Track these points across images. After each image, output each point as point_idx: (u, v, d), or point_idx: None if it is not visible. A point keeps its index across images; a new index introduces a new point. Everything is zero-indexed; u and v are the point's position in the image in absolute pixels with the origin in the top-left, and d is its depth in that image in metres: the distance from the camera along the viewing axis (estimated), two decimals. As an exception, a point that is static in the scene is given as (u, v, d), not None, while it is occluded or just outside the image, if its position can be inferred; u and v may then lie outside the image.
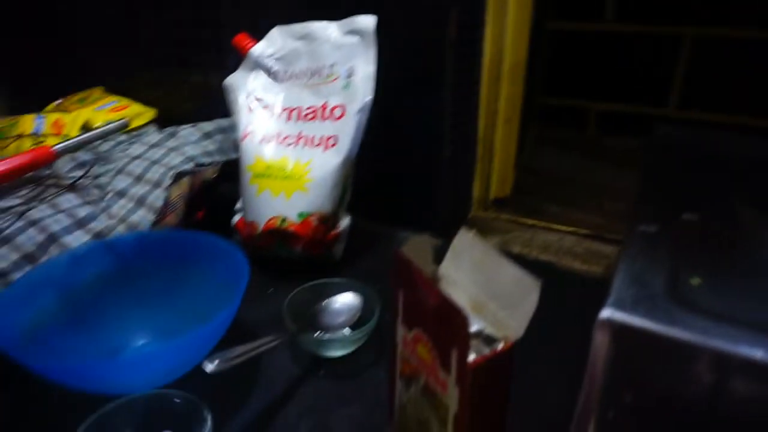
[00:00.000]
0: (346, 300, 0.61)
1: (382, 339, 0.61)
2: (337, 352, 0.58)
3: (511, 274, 0.41)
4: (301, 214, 0.68)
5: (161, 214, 0.66)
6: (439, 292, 0.37)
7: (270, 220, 0.68)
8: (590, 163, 1.07)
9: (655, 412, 0.34)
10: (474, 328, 0.40)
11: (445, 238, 0.46)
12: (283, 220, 0.68)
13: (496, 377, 0.40)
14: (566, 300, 0.57)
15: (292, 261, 0.71)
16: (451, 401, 0.40)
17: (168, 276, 0.59)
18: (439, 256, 0.46)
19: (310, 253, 0.70)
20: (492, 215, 0.88)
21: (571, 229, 0.84)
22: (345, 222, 0.73)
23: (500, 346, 0.40)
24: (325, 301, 0.61)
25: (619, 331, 0.33)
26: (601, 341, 0.33)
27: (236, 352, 0.49)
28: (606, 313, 0.34)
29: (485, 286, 0.43)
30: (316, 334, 0.57)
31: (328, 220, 0.70)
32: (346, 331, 0.59)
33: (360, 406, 0.53)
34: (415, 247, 0.44)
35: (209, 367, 0.46)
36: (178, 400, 0.44)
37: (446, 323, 0.38)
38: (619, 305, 0.34)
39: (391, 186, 0.83)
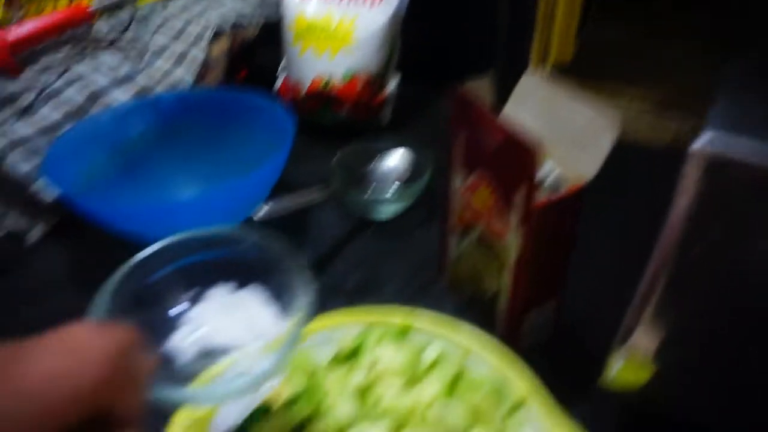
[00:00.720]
0: (395, 161, 0.59)
1: (431, 201, 0.59)
2: (385, 213, 0.57)
3: (585, 113, 0.37)
4: (346, 74, 0.64)
5: (202, 72, 0.63)
6: (505, 127, 0.34)
7: (315, 80, 0.65)
8: (656, 38, 0.98)
9: (740, 256, 0.31)
10: (539, 173, 0.37)
11: (500, 105, 0.42)
12: (328, 82, 0.65)
13: (562, 221, 0.37)
14: (629, 172, 0.53)
15: (338, 127, 0.68)
16: (511, 247, 0.39)
17: (212, 134, 0.58)
18: (500, 101, 0.43)
19: (356, 117, 0.67)
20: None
21: (635, 99, 0.78)
22: (393, 84, 0.68)
23: (567, 189, 0.37)
24: (374, 162, 0.59)
25: (713, 163, 0.30)
26: (691, 175, 0.30)
27: (284, 202, 0.48)
28: (700, 142, 0.30)
29: (553, 129, 0.39)
30: (365, 194, 0.56)
31: (375, 82, 0.66)
32: (394, 191, 0.57)
33: (408, 263, 0.53)
34: (475, 88, 0.41)
35: (258, 214, 0.46)
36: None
37: (511, 161, 0.35)
38: (716, 136, 0.30)
39: (441, 48, 0.77)
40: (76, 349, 0.19)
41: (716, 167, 0.29)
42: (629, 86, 0.83)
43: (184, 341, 0.31)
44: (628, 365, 0.35)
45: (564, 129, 0.38)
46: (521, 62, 0.78)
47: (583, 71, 0.83)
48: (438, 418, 0.36)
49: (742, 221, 0.30)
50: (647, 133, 0.71)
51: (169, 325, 0.31)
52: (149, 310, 0.31)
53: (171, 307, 0.32)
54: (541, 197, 0.36)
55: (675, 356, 0.34)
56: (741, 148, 0.29)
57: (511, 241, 0.38)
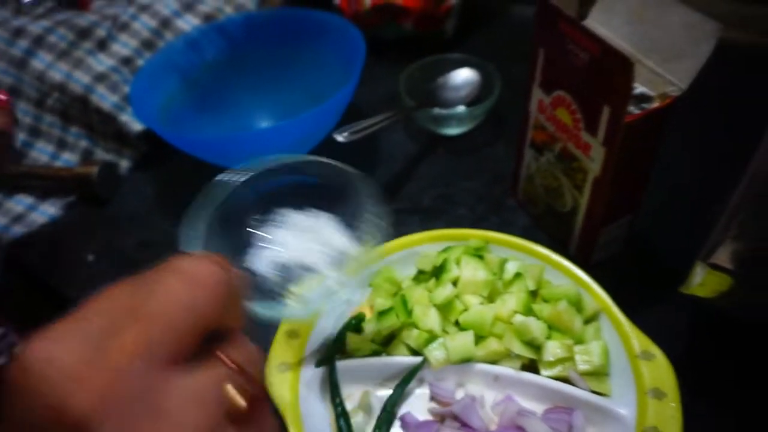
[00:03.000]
0: (463, 76, 0.58)
1: (499, 117, 0.58)
2: (455, 129, 0.57)
3: (682, 18, 0.35)
4: (410, -16, 0.62)
5: (264, -9, 0.63)
6: (597, 39, 0.33)
7: (377, -8, 0.63)
8: None
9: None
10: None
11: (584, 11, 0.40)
12: (391, -8, 0.62)
13: (647, 138, 0.37)
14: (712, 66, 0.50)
15: (402, 40, 0.67)
16: (592, 164, 0.39)
17: (281, 56, 0.58)
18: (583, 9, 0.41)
19: (420, 30, 0.65)
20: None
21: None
22: (457, -8, 0.65)
23: (655, 104, 0.36)
24: (442, 77, 0.58)
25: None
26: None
27: (362, 125, 0.49)
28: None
29: (642, 39, 0.37)
30: (434, 110, 0.56)
31: (440, -10, 0.63)
32: (464, 107, 0.57)
33: (480, 180, 0.54)
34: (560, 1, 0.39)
35: (339, 137, 0.47)
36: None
37: (601, 76, 0.34)
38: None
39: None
40: (193, 278, 0.22)
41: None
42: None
43: (264, 262, 0.33)
44: (710, 277, 0.36)
45: (654, 39, 0.36)
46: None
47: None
48: (520, 328, 0.38)
49: None
50: (736, 30, 0.66)
51: (251, 247, 0.33)
52: (232, 232, 0.32)
53: (251, 230, 0.33)
54: (628, 113, 0.35)
55: (759, 268, 0.34)
56: None
57: (594, 159, 0.38)
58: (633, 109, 0.36)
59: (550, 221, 0.47)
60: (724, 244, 0.34)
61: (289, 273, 0.32)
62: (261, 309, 0.30)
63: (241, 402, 0.21)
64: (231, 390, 0.21)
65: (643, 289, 0.42)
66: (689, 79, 0.34)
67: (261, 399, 0.23)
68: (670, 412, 0.34)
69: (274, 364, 0.38)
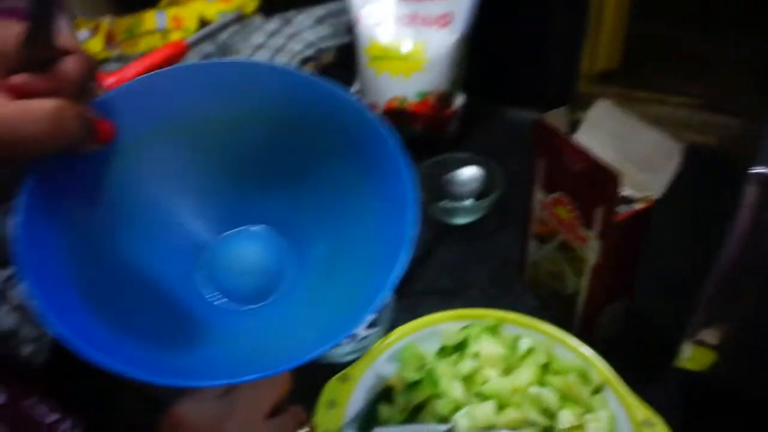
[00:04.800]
0: (469, 172, 0.67)
1: (502, 208, 0.66)
2: (464, 219, 0.65)
3: (653, 138, 0.44)
4: (420, 94, 0.71)
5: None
6: (588, 155, 0.41)
7: (390, 100, 0.72)
8: (705, 32, 1.01)
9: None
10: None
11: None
12: (403, 100, 0.72)
13: (635, 232, 0.44)
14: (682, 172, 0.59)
15: (412, 141, 0.76)
16: (589, 254, 0.46)
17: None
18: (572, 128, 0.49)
19: (428, 131, 0.75)
20: (599, 90, 0.87)
21: (684, 100, 0.82)
22: (460, 100, 0.75)
23: (639, 205, 0.44)
24: (451, 174, 0.66)
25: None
26: (750, 194, 0.36)
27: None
28: (759, 168, 0.36)
29: (624, 152, 0.46)
30: (443, 203, 0.63)
31: (445, 98, 0.73)
32: (471, 200, 0.65)
33: (491, 264, 0.60)
34: (553, 118, 0.47)
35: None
36: None
37: (594, 184, 0.42)
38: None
39: (496, 64, 0.83)
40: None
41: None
42: (677, 83, 0.87)
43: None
44: (696, 352, 0.42)
45: (633, 153, 0.45)
46: (572, 70, 0.84)
47: (631, 75, 0.88)
48: (536, 398, 0.43)
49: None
50: (697, 134, 0.76)
51: None
52: None
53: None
54: (618, 213, 0.43)
55: (737, 344, 0.41)
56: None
57: (590, 249, 0.45)
58: (624, 208, 0.43)
59: (555, 302, 0.53)
60: (705, 323, 0.40)
61: None
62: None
63: None
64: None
65: (642, 363, 0.48)
66: (662, 188, 0.42)
67: None
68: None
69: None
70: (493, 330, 0.48)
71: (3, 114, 0.25)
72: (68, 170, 0.30)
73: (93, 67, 0.29)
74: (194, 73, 0.33)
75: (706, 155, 0.71)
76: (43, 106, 0.26)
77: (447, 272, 0.60)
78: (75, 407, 0.33)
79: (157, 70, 0.32)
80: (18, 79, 0.26)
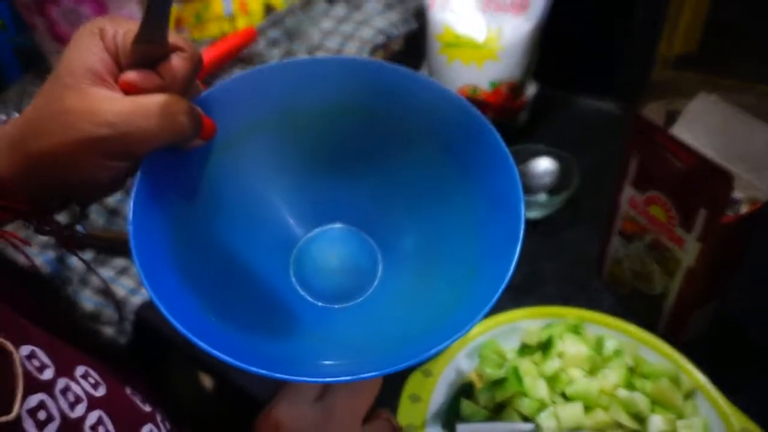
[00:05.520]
0: (544, 165, 0.65)
1: (575, 202, 0.64)
2: (536, 213, 0.63)
3: (762, 133, 0.41)
4: (492, 83, 0.70)
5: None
6: (696, 152, 0.39)
7: (461, 89, 0.71)
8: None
9: None
10: None
11: (627, 101, 0.46)
12: (475, 89, 0.70)
13: (739, 236, 0.42)
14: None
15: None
16: (685, 256, 0.44)
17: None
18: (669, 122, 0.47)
19: (498, 120, 0.73)
20: (675, 74, 0.83)
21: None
22: (532, 89, 0.73)
23: (745, 207, 0.42)
24: (524, 166, 0.65)
25: None
26: None
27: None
28: None
29: (726, 149, 0.43)
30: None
31: (518, 87, 0.71)
32: (545, 194, 0.63)
33: (564, 261, 0.59)
34: (651, 112, 0.45)
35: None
36: None
37: (699, 184, 0.40)
38: None
39: (568, 51, 0.80)
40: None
41: None
42: (759, 74, 0.82)
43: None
44: None
45: (739, 150, 0.43)
46: (650, 58, 0.80)
47: (711, 60, 0.83)
48: (625, 401, 0.42)
49: None
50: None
51: None
52: None
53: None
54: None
55: None
56: None
57: (687, 251, 0.44)
58: (728, 210, 0.41)
59: (637, 302, 0.51)
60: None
61: None
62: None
63: None
64: None
65: (731, 368, 0.46)
66: None
67: None
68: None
69: (403, 425, 0.43)
70: (576, 329, 0.47)
71: (119, 110, 0.26)
72: (174, 165, 0.31)
73: (199, 64, 0.29)
74: (289, 70, 0.33)
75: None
76: (156, 101, 0.26)
77: (519, 268, 0.58)
78: (156, 398, 0.33)
79: (254, 69, 0.33)
80: (131, 75, 0.27)
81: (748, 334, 0.50)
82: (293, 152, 0.35)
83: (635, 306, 0.52)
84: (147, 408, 0.30)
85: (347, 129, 0.34)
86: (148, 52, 0.27)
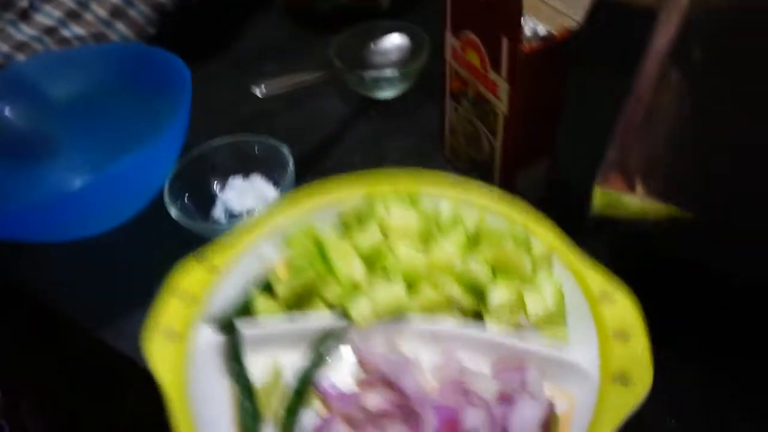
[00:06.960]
0: (393, 41, 0.54)
1: (431, 81, 0.54)
2: (386, 93, 0.53)
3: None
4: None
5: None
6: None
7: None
8: None
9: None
10: (526, 27, 0.34)
11: None
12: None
13: (549, 72, 0.33)
14: (614, 33, 0.47)
15: (337, 13, 0.63)
16: (500, 105, 0.35)
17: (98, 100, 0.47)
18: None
19: (355, 1, 0.62)
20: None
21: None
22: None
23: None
24: (373, 43, 0.54)
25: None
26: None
27: (283, 81, 0.44)
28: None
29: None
30: (363, 73, 0.51)
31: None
32: (395, 70, 0.52)
33: (411, 139, 0.50)
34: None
35: (257, 91, 0.42)
36: (257, 145, 0.44)
37: (496, 8, 0.31)
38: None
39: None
40: None
41: None
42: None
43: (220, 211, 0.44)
44: (607, 195, 0.31)
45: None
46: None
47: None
48: (461, 274, 0.32)
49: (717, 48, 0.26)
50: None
51: (212, 202, 0.44)
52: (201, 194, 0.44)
53: (212, 190, 0.44)
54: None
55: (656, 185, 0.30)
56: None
57: (502, 99, 0.34)
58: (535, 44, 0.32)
59: (474, 172, 0.42)
60: (613, 166, 0.30)
61: (234, 216, 0.43)
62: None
63: None
64: None
65: (571, 234, 0.37)
66: (579, 17, 0.32)
67: None
68: (637, 355, 0.28)
69: (158, 330, 0.31)
70: (405, 199, 0.36)
71: None
72: None
73: None
74: None
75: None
76: None
77: (363, 149, 0.49)
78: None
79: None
80: None
81: (579, 196, 0.41)
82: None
83: (474, 175, 0.43)
84: None
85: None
86: None
